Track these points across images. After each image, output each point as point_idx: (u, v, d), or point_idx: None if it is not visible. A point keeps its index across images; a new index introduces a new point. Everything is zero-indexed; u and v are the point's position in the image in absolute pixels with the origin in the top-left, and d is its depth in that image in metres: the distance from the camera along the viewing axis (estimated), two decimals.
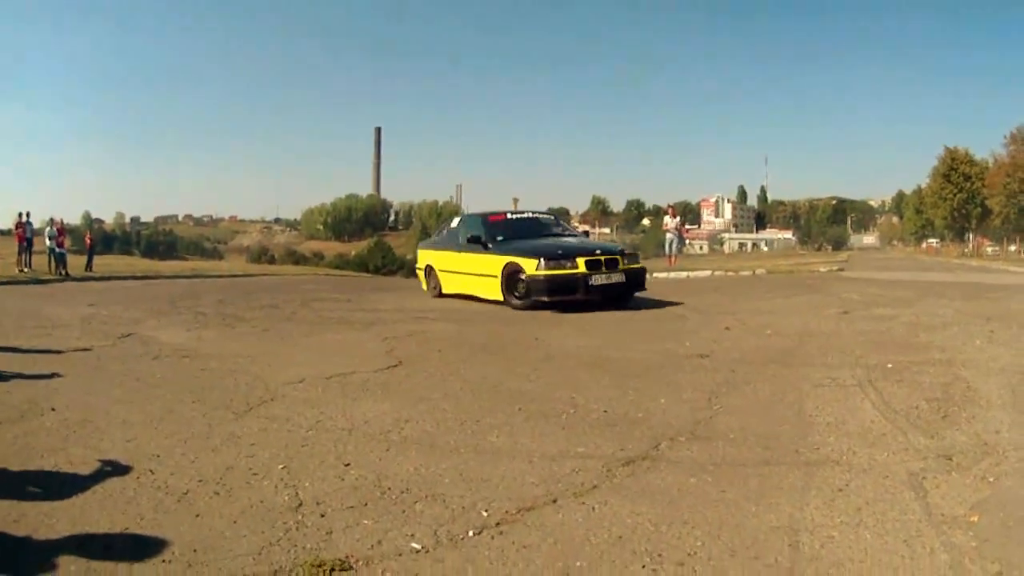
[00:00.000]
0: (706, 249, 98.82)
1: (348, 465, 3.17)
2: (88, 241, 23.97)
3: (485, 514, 2.62)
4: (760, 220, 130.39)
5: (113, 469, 3.11)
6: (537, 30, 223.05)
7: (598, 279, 9.10)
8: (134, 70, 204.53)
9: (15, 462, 3.23)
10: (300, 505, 2.72)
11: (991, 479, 2.88)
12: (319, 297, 12.32)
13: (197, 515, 2.64)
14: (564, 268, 9.02)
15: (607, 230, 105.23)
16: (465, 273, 10.49)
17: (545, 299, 8.92)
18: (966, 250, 51.73)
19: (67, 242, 21.26)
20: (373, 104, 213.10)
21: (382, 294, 13.10)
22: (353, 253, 56.61)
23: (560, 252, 9.32)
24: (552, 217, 12.12)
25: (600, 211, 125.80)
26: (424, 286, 12.12)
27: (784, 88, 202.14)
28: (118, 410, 4.14)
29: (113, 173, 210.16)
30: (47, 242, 19.57)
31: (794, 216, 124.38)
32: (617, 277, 9.31)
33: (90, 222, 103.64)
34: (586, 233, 13.28)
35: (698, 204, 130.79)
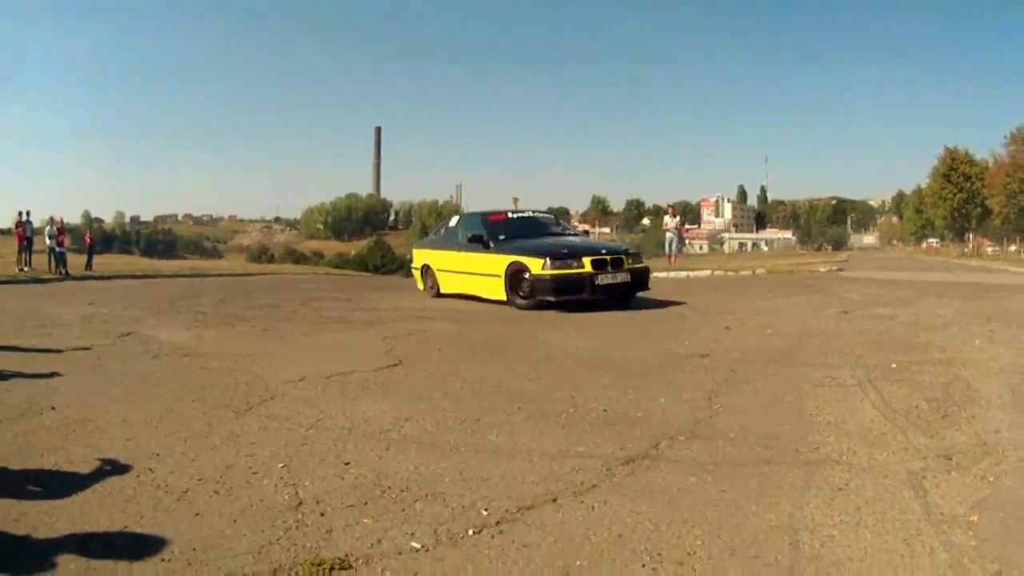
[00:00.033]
0: (706, 249, 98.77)
1: (348, 464, 3.17)
2: (88, 240, 23.99)
3: (485, 513, 2.62)
4: (760, 220, 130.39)
5: (113, 468, 3.11)
6: (537, 30, 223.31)
7: (604, 278, 9.06)
8: (134, 69, 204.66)
9: (15, 461, 3.23)
10: (300, 504, 2.72)
11: (991, 479, 2.88)
12: (319, 296, 12.32)
13: (197, 514, 2.64)
14: (570, 267, 8.97)
15: (607, 230, 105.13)
16: (465, 273, 10.41)
17: (551, 299, 8.86)
18: (966, 250, 51.71)
19: (67, 241, 21.24)
20: (373, 103, 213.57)
21: (382, 293, 13.09)
22: (353, 252, 56.54)
23: (566, 251, 9.26)
24: (552, 216, 12.08)
25: (600, 211, 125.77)
26: (420, 286, 12.03)
27: (784, 88, 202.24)
28: (118, 409, 4.14)
29: (113, 172, 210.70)
30: (47, 241, 19.57)
31: (794, 216, 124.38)
32: (622, 276, 9.28)
33: (90, 221, 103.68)
34: (586, 233, 13.27)
35: (698, 204, 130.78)
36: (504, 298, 9.48)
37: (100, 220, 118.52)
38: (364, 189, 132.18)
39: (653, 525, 2.51)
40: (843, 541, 2.36)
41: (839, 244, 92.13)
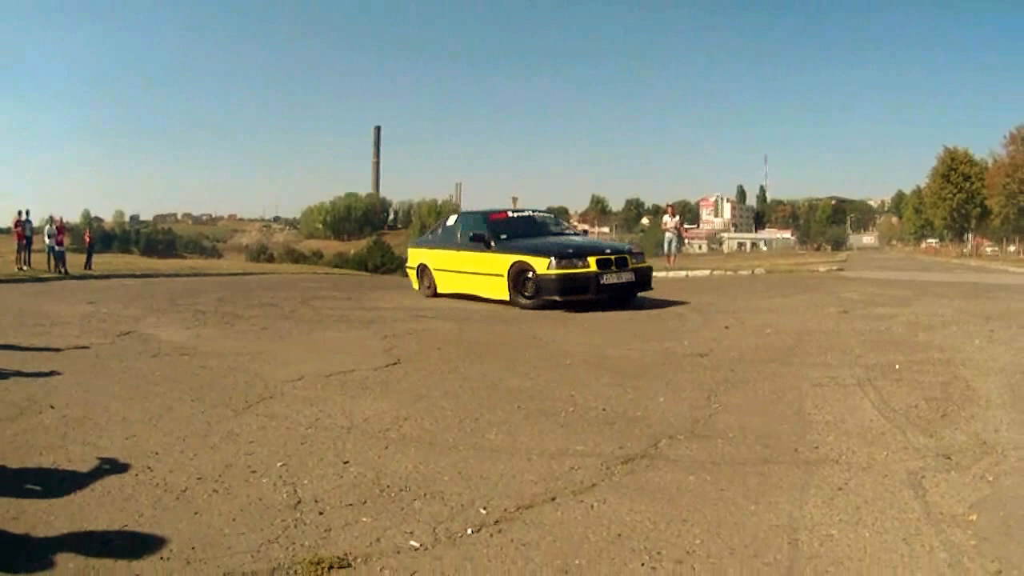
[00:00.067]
0: (705, 249, 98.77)
1: (347, 463, 3.17)
2: (87, 239, 24.00)
3: (484, 512, 2.62)
4: (759, 220, 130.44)
5: (112, 467, 3.11)
6: (536, 29, 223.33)
7: (609, 278, 9.03)
8: (133, 68, 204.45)
9: (14, 459, 3.23)
10: (299, 503, 2.72)
11: (990, 478, 2.88)
12: (318, 295, 12.31)
13: (196, 513, 2.64)
14: (576, 267, 8.92)
15: (606, 229, 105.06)
16: (465, 272, 10.31)
17: (557, 299, 8.80)
18: (965, 250, 51.74)
19: (66, 240, 21.21)
20: (372, 103, 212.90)
21: (381, 292, 13.09)
22: (352, 252, 56.48)
23: (571, 251, 9.21)
24: (551, 216, 12.06)
25: (599, 210, 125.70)
26: (415, 285, 11.90)
27: (783, 87, 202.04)
28: (117, 408, 4.14)
29: (112, 171, 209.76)
30: (46, 240, 19.54)
31: (793, 216, 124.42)
32: (627, 276, 9.25)
33: (89, 220, 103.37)
34: (585, 232, 13.24)
35: (697, 203, 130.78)
36: (507, 298, 9.41)
37: (99, 219, 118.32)
38: (363, 188, 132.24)
39: (652, 524, 2.51)
40: (842, 540, 2.35)
41: (838, 244, 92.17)
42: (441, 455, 3.27)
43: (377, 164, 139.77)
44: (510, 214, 11.09)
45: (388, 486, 2.89)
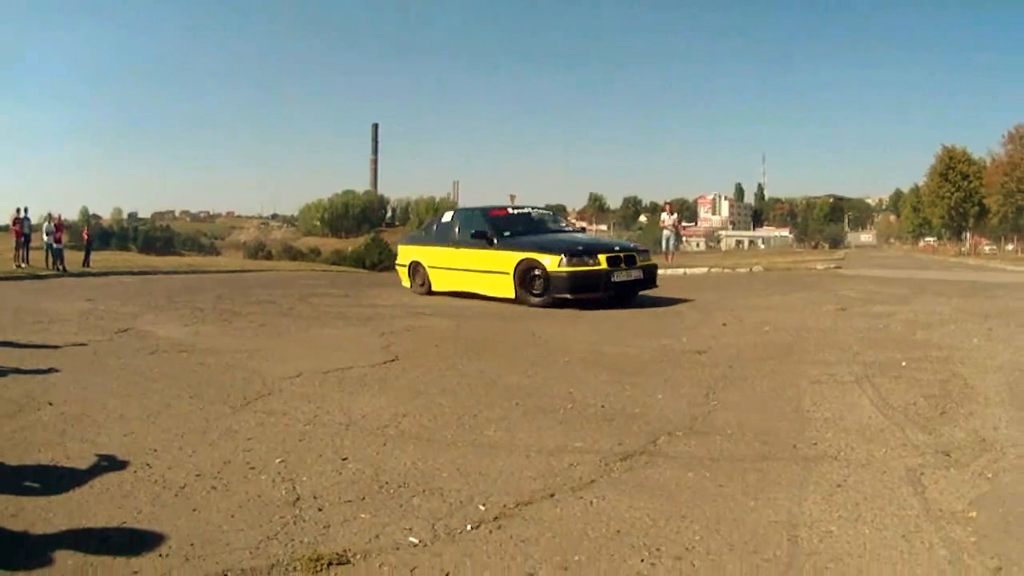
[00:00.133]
0: (703, 246, 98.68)
1: (346, 459, 3.17)
2: (85, 237, 23.99)
3: (483, 508, 2.62)
4: (757, 218, 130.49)
5: (110, 463, 3.11)
6: (535, 27, 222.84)
7: (619, 275, 8.99)
8: (131, 66, 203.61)
9: (12, 456, 3.22)
10: (298, 499, 2.72)
11: (989, 475, 2.88)
12: (316, 293, 12.31)
13: (194, 509, 2.63)
14: (587, 265, 8.84)
15: (604, 227, 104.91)
16: (465, 270, 10.17)
17: (568, 296, 8.73)
18: (963, 249, 51.75)
19: (65, 238, 21.19)
20: (370, 100, 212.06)
21: (379, 290, 13.07)
22: (350, 249, 56.40)
23: (581, 248, 9.13)
24: (550, 213, 12.03)
25: (597, 208, 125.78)
26: (406, 283, 11.67)
27: (781, 86, 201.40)
28: (115, 404, 4.13)
29: (110, 169, 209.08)
30: (44, 238, 19.51)
31: (791, 214, 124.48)
32: (636, 274, 9.24)
33: (87, 218, 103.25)
34: (583, 229, 13.22)
35: (695, 201, 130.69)
36: (512, 296, 9.29)
37: (98, 217, 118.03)
38: (361, 186, 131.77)
39: (651, 520, 2.51)
40: (842, 537, 2.36)
41: (836, 242, 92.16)
42: (440, 452, 3.27)
43: (375, 162, 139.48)
44: (510, 211, 10.97)
45: (387, 482, 2.89)
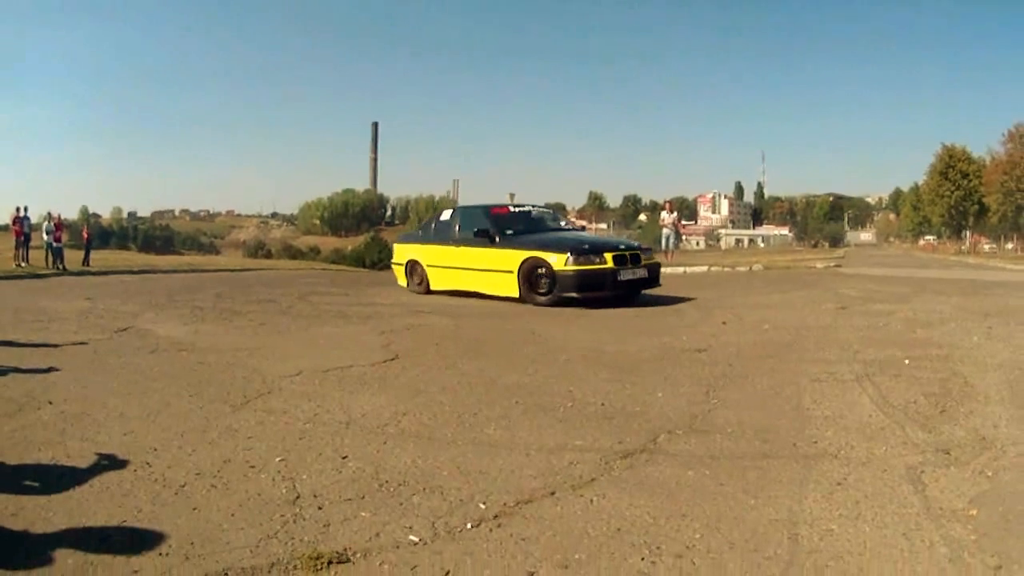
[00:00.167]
0: (702, 245, 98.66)
1: (346, 458, 3.17)
2: (85, 236, 23.98)
3: (483, 507, 2.62)
4: (757, 216, 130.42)
5: (110, 462, 3.10)
6: (534, 25, 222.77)
7: (625, 274, 8.95)
8: (131, 66, 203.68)
9: (12, 455, 3.22)
10: (298, 498, 2.72)
11: (990, 473, 2.88)
12: (316, 291, 12.30)
13: (194, 508, 2.63)
14: (593, 263, 8.79)
15: (603, 225, 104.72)
16: (466, 269, 10.08)
17: (575, 295, 8.68)
18: (963, 247, 51.72)
19: (64, 237, 21.19)
20: (370, 99, 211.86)
21: (378, 288, 13.05)
22: (350, 248, 56.33)
23: (587, 247, 9.06)
24: (550, 211, 12.00)
25: (597, 206, 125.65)
26: (402, 282, 11.56)
27: (781, 84, 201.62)
28: (115, 403, 4.13)
29: (110, 168, 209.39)
30: (44, 237, 19.51)
31: (791, 212, 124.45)
32: (641, 272, 9.21)
33: (87, 217, 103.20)
34: (583, 228, 13.22)
35: (695, 200, 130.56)
36: (516, 295, 9.21)
37: (97, 216, 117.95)
38: (361, 184, 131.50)
39: (652, 519, 2.51)
40: (842, 535, 2.35)
41: (836, 241, 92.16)
42: (440, 450, 3.27)
43: (375, 160, 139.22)
44: (512, 209, 10.89)
45: (387, 481, 2.89)
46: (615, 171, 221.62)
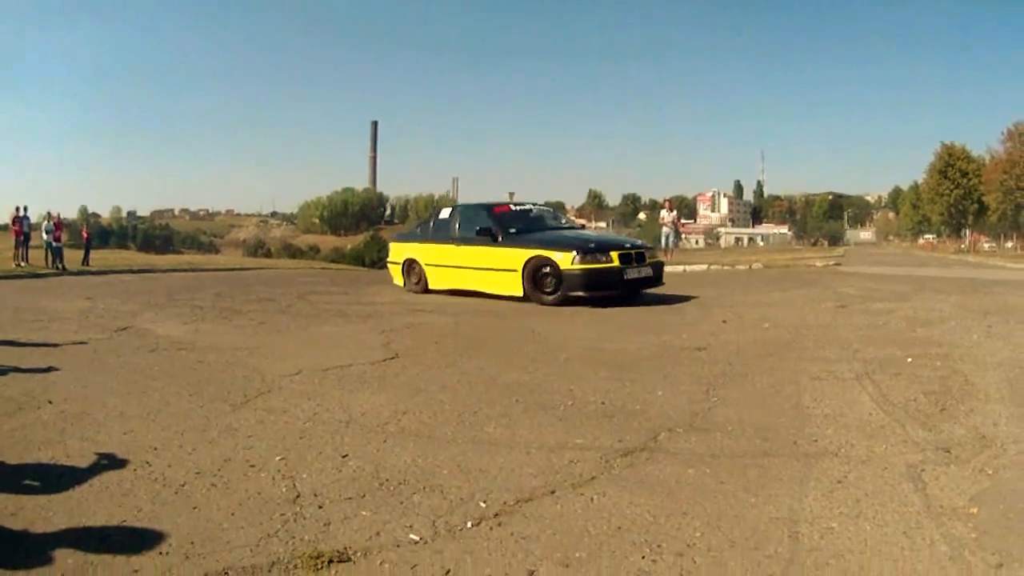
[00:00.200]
0: (702, 244, 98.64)
1: (346, 457, 3.17)
2: (85, 235, 23.98)
3: (483, 505, 2.62)
4: (756, 215, 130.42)
5: (110, 462, 3.10)
6: (533, 23, 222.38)
7: (631, 273, 8.90)
8: (130, 65, 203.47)
9: (12, 455, 3.22)
10: (298, 497, 2.71)
11: (990, 471, 2.88)
12: (316, 290, 12.30)
13: (194, 507, 2.63)
14: (599, 262, 8.73)
15: (603, 224, 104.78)
16: (466, 267, 9.98)
17: (582, 294, 8.63)
18: (962, 246, 51.71)
19: (64, 236, 21.16)
20: (369, 98, 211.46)
21: (378, 287, 13.03)
22: (349, 247, 56.42)
23: (593, 245, 9.00)
24: (550, 209, 11.98)
25: (596, 205, 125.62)
26: (399, 281, 11.39)
27: (781, 83, 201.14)
28: (115, 403, 4.12)
29: (110, 168, 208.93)
30: (44, 236, 19.49)
31: (790, 211, 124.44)
32: (646, 271, 9.18)
33: (87, 216, 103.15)
34: (582, 226, 13.20)
35: (694, 199, 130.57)
36: (520, 294, 9.12)
37: (97, 215, 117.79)
38: (360, 183, 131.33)
39: (652, 517, 2.51)
40: (843, 533, 2.35)
41: (835, 239, 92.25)
42: (440, 449, 3.27)
43: (374, 159, 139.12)
44: (513, 207, 10.80)
45: (387, 480, 2.88)
46: (614, 170, 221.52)
